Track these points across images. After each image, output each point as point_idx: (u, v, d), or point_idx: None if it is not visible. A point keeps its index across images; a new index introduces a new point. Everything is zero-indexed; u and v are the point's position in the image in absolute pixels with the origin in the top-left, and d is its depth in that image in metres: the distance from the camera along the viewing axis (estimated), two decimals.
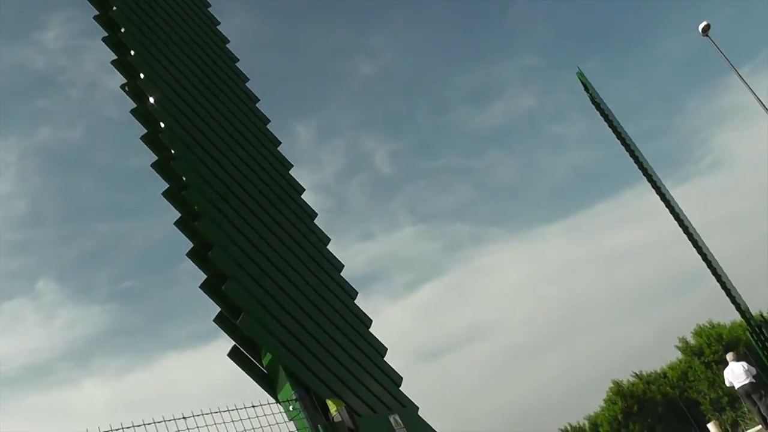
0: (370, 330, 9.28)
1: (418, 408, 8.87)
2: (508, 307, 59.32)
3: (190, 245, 7.92)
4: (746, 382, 17.37)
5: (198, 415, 6.33)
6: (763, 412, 17.42)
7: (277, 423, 7.01)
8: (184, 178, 8.26)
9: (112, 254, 66.11)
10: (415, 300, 61.40)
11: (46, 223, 61.37)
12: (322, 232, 9.81)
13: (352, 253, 55.70)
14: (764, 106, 23.80)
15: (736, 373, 17.58)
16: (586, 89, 22.91)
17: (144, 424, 5.88)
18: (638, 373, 27.78)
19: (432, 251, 66.21)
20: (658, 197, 22.55)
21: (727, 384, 18.06)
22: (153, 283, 68.55)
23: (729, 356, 18.06)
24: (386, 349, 9.22)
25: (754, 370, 17.68)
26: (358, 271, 56.56)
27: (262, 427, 6.81)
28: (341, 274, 9.57)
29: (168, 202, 8.16)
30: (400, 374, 9.11)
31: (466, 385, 54.01)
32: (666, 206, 22.36)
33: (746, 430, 20.78)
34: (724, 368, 18.16)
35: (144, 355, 63.83)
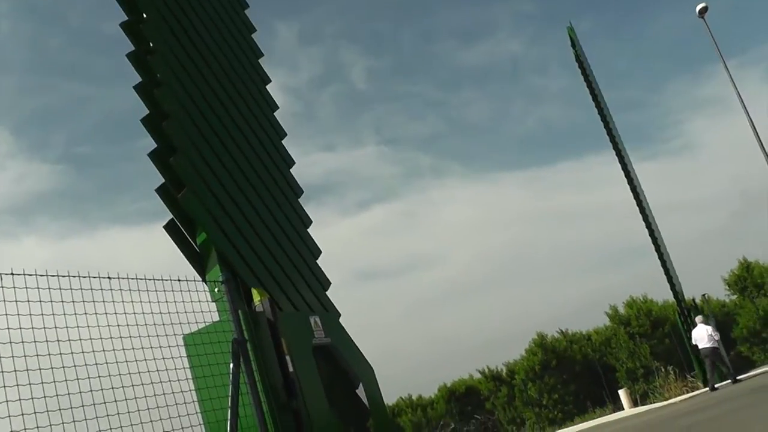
0: (309, 231, 9.37)
1: (339, 315, 9.04)
2: (454, 245, 59.94)
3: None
4: (707, 345, 19.15)
5: (123, 278, 6.35)
6: (711, 375, 19.14)
7: (199, 301, 7.05)
8: (151, 44, 8.14)
9: (73, 116, 64.83)
10: (364, 219, 61.70)
11: (9, 71, 59.74)
12: (280, 125, 9.78)
13: (310, 161, 55.36)
14: (742, 101, 24.03)
15: (701, 335, 19.33)
16: (573, 45, 22.83)
17: (68, 276, 5.88)
18: (564, 330, 28.50)
19: (390, 175, 66.26)
20: (620, 167, 22.80)
21: (693, 342, 19.77)
22: (110, 153, 67.53)
23: (698, 319, 19.88)
24: (320, 252, 9.33)
25: (717, 336, 19.46)
26: (313, 180, 56.42)
27: (184, 302, 6.86)
28: (291, 171, 9.60)
29: (132, 66, 8.05)
30: (330, 280, 9.27)
31: (398, 310, 54.90)
32: (626, 177, 22.62)
33: (654, 402, 21.52)
34: (693, 328, 19.80)
35: (88, 223, 63.39)
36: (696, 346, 19.72)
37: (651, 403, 21.58)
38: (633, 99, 62.70)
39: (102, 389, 5.71)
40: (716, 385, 19.07)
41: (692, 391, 20.64)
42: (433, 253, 60.50)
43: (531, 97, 67.80)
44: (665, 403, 20.18)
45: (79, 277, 5.96)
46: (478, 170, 66.49)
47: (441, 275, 56.74)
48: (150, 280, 6.55)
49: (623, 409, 22.11)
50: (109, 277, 6.25)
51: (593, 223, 57.72)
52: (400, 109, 69.77)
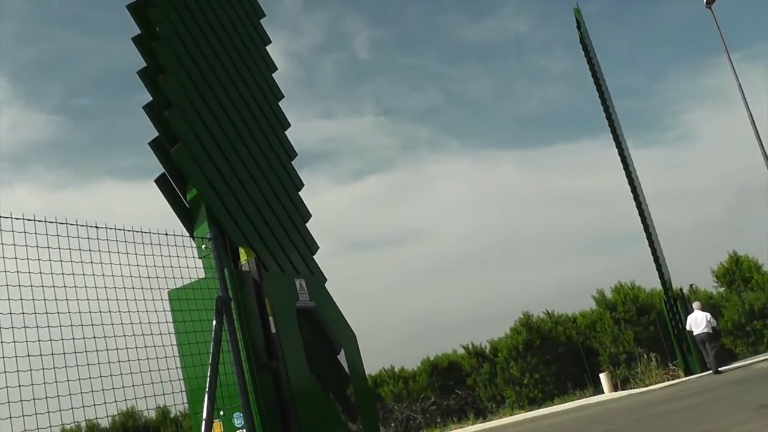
0: (300, 195, 9.35)
1: (326, 279, 9.05)
2: (445, 220, 60.11)
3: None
4: (704, 330, 19.65)
5: (110, 228, 6.34)
6: (711, 359, 19.61)
7: (186, 257, 7.06)
8: None
9: (72, 67, 64.46)
10: (358, 189, 61.76)
11: (8, 17, 59.25)
12: (278, 87, 9.72)
13: (308, 127, 55.31)
14: (744, 96, 23.99)
15: (698, 321, 19.81)
16: (579, 27, 22.72)
17: (56, 222, 5.86)
18: (550, 312, 28.66)
19: (387, 146, 66.27)
20: (617, 152, 22.77)
21: (688, 328, 20.22)
22: (107, 106, 67.34)
23: (695, 305, 20.37)
24: (310, 216, 9.33)
25: (714, 322, 20.06)
26: (309, 146, 56.42)
27: (170, 257, 6.86)
28: (286, 133, 9.56)
29: (132, 17, 7.97)
30: (318, 244, 9.27)
31: (385, 281, 55.10)
32: (622, 163, 22.61)
33: (635, 388, 21.76)
34: (689, 314, 20.30)
35: (82, 175, 63.35)
36: (691, 331, 20.06)
37: (631, 389, 21.81)
38: (634, 86, 62.57)
39: (84, 338, 5.73)
40: (719, 368, 19.46)
41: (673, 379, 20.86)
42: (425, 227, 60.65)
43: (533, 76, 67.63)
44: (645, 389, 20.42)
45: (66, 224, 5.93)
46: (474, 146, 66.49)
47: (431, 249, 56.93)
48: (138, 232, 6.55)
49: (603, 392, 22.34)
50: (96, 227, 6.23)
51: (586, 207, 57.85)
52: (401, 81, 69.59)
